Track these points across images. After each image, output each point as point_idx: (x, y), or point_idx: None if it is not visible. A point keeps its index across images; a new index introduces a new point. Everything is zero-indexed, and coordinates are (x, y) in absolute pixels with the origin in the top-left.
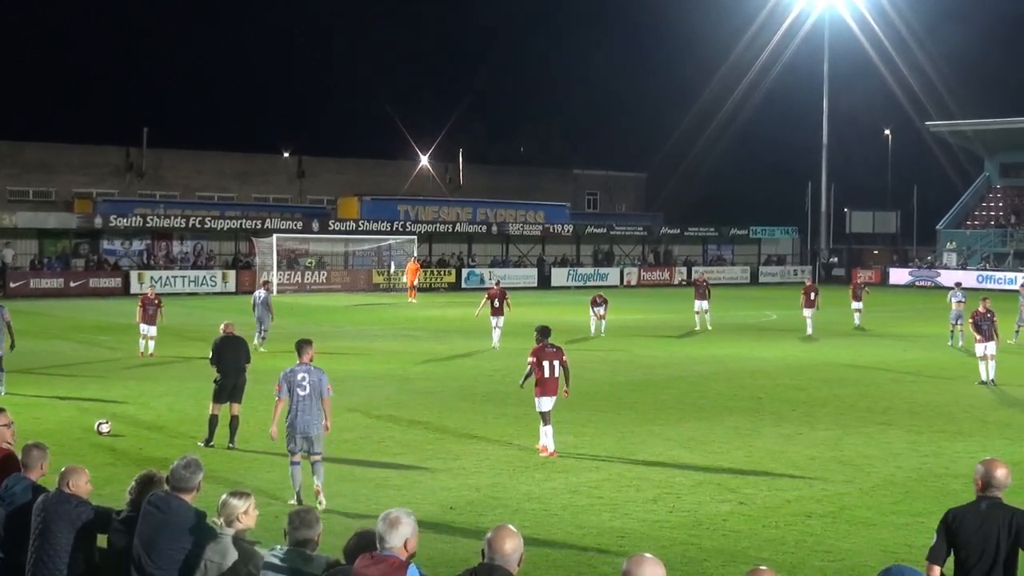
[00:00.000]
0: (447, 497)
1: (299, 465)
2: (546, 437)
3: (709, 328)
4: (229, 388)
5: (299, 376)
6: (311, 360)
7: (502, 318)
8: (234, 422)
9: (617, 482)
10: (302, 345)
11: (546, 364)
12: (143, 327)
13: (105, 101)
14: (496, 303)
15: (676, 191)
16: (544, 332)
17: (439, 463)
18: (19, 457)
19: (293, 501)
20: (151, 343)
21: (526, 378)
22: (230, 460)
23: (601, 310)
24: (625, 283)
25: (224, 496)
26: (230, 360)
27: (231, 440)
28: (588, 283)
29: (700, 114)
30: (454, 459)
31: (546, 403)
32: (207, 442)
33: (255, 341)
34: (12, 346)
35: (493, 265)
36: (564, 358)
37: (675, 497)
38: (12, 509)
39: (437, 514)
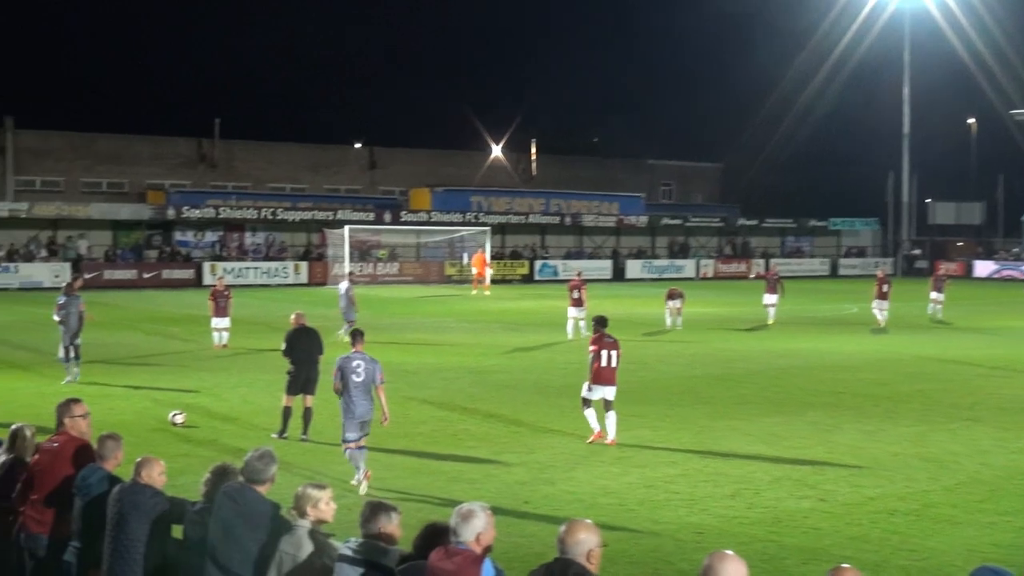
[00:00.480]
0: (522, 491)
1: (363, 451)
2: (609, 424)
3: (770, 323)
4: (302, 380)
5: (354, 363)
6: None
7: (583, 310)
8: (307, 414)
9: (694, 477)
10: (356, 335)
11: (604, 354)
12: (214, 320)
13: (177, 92)
14: (575, 294)
15: (753, 182)
16: (602, 322)
17: (514, 457)
18: (94, 447)
19: (355, 483)
20: (224, 335)
21: (591, 368)
22: (303, 452)
23: (678, 303)
24: (701, 275)
25: (301, 487)
26: (303, 351)
27: (304, 432)
28: (663, 275)
29: (778, 103)
30: (529, 453)
31: (598, 391)
32: (281, 434)
33: (339, 332)
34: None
35: (567, 257)
36: (620, 350)
37: (754, 493)
38: (88, 500)
39: (512, 508)
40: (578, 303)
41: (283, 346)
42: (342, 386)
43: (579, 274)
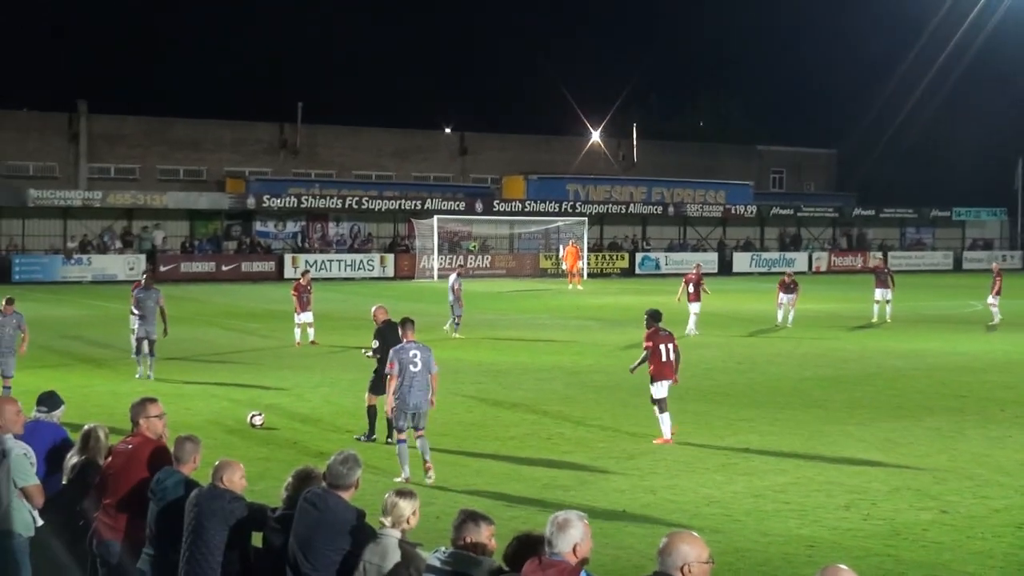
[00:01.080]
0: (620, 499)
1: (406, 443)
2: (664, 424)
3: (888, 320)
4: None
5: (411, 353)
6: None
7: (699, 304)
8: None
9: (805, 486)
10: (407, 323)
11: (662, 348)
12: (298, 316)
13: (258, 75)
14: (692, 288)
15: (871, 169)
16: (656, 316)
17: (612, 463)
18: (171, 450)
19: (400, 479)
20: (310, 330)
21: (640, 363)
22: (390, 455)
23: (792, 297)
24: (814, 269)
25: (389, 495)
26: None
27: (390, 434)
28: (773, 269)
29: (898, 85)
30: (628, 459)
31: (661, 389)
32: (368, 436)
33: (445, 327)
34: (165, 332)
35: (669, 249)
36: (676, 343)
37: (870, 504)
38: (164, 504)
39: (609, 517)
40: (696, 297)
41: (374, 344)
42: (399, 377)
43: (698, 267)
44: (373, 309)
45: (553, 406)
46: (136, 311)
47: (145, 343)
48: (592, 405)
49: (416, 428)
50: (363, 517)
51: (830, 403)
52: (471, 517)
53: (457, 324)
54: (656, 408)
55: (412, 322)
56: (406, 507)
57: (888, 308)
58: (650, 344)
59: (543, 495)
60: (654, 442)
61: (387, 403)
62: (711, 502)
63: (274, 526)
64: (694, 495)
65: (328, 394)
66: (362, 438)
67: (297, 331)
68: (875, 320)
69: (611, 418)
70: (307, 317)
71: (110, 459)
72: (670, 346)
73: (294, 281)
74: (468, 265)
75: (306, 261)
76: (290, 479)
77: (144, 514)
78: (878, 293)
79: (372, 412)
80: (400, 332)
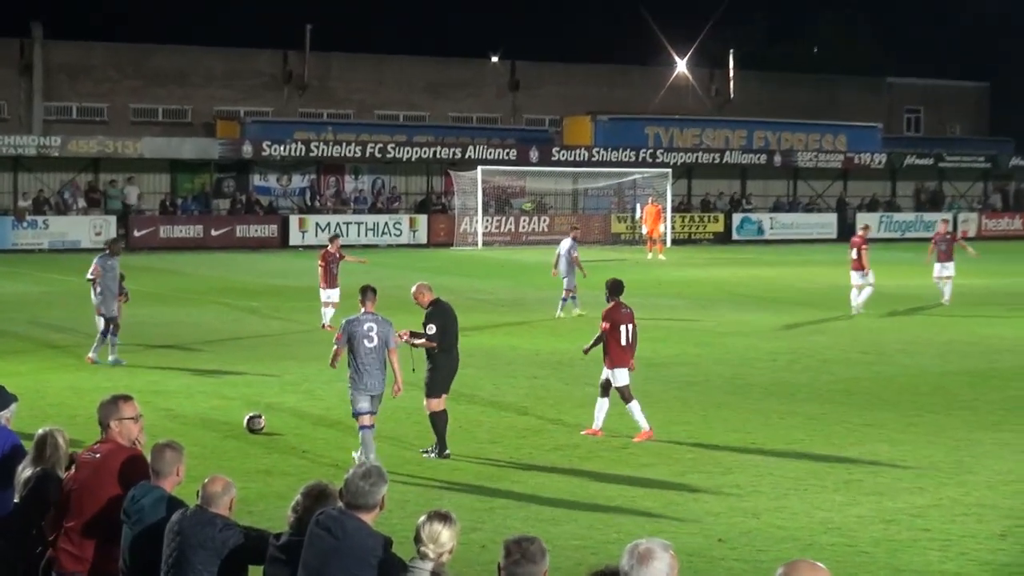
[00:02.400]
0: (714, 525)
1: (372, 430)
2: (636, 415)
3: (945, 303)
4: (454, 371)
5: (365, 326)
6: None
7: (866, 275)
8: (445, 418)
9: (949, 509)
10: (367, 291)
11: (622, 329)
12: (325, 292)
13: None
14: (855, 253)
15: None
16: (617, 288)
17: (703, 478)
18: (148, 460)
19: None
20: (329, 311)
21: (594, 345)
22: (429, 467)
23: (949, 269)
24: (960, 234)
25: (424, 519)
26: (453, 332)
27: (442, 447)
28: (907, 234)
29: None
30: (723, 474)
31: (622, 376)
32: (439, 450)
33: (559, 312)
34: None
35: (776, 209)
36: (635, 323)
37: None
38: (140, 529)
39: (702, 547)
40: (859, 266)
41: (430, 329)
42: (351, 354)
43: (865, 228)
44: (414, 289)
45: None
46: (93, 279)
47: (111, 322)
48: (677, 406)
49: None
50: (390, 546)
51: (980, 404)
52: (526, 547)
53: (573, 298)
54: (615, 396)
55: (374, 291)
56: (445, 534)
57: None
58: (607, 325)
59: (618, 519)
60: (634, 439)
61: (332, 359)
62: (829, 529)
63: (278, 556)
64: (808, 520)
65: (346, 391)
66: (430, 452)
67: (325, 311)
68: None
69: (702, 423)
70: (334, 295)
71: (73, 471)
72: (630, 327)
73: (321, 249)
74: (520, 229)
75: (316, 224)
76: (298, 498)
77: (116, 540)
78: (937, 269)
79: (438, 420)
80: (361, 301)
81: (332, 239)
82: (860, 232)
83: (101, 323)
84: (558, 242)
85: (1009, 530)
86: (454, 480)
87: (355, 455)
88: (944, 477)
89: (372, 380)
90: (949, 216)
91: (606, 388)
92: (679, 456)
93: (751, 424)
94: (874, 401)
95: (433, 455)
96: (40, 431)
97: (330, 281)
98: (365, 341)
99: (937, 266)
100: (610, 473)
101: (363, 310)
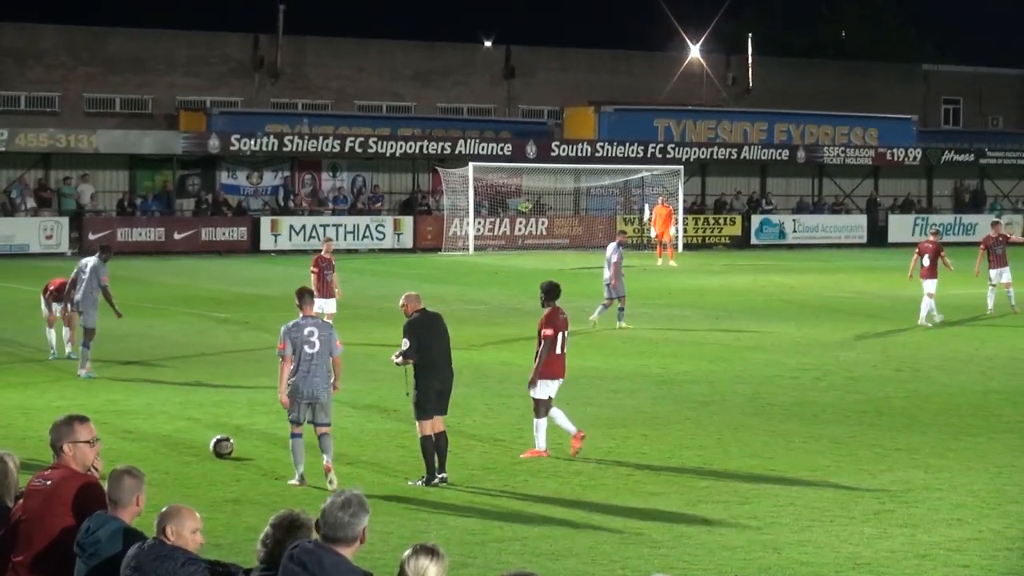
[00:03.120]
0: (730, 560)
1: (302, 438)
2: (539, 432)
3: (1015, 308)
4: (437, 390)
5: (306, 331)
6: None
7: (934, 282)
8: (442, 441)
9: (991, 544)
10: (304, 295)
11: (559, 337)
12: (317, 302)
13: None
14: (927, 260)
15: None
16: (554, 292)
17: (718, 508)
18: (105, 488)
19: (294, 481)
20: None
21: (541, 362)
22: (412, 499)
23: (1004, 273)
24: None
25: (408, 553)
26: (439, 349)
27: (441, 468)
28: (944, 238)
29: None
30: (740, 503)
31: (548, 388)
32: (427, 479)
33: (593, 317)
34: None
35: (799, 210)
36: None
37: None
38: (96, 564)
39: None
40: (931, 273)
41: (404, 344)
42: (294, 359)
43: (936, 233)
44: (402, 299)
45: (636, 429)
46: (77, 292)
47: (88, 332)
48: (690, 428)
49: (316, 423)
50: None
51: None
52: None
53: (608, 306)
54: (534, 413)
55: (311, 293)
56: (433, 570)
57: (1011, 292)
58: (550, 332)
59: (623, 554)
60: (522, 456)
61: (280, 391)
62: (857, 565)
63: None
64: (834, 555)
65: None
66: (418, 483)
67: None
68: None
69: (716, 446)
70: (329, 306)
71: (22, 500)
72: (566, 334)
73: (314, 254)
74: (515, 233)
75: (291, 226)
76: (269, 529)
77: (69, 575)
78: (993, 274)
79: (422, 445)
80: (299, 305)
81: (325, 242)
82: (932, 237)
83: (51, 336)
84: (560, 247)
85: None
86: (443, 510)
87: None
88: (985, 508)
89: (308, 387)
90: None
91: (543, 407)
92: (691, 484)
93: (771, 448)
94: (908, 423)
95: (419, 484)
96: None
97: (324, 290)
98: (306, 347)
99: (993, 272)
100: (615, 503)
101: (302, 315)
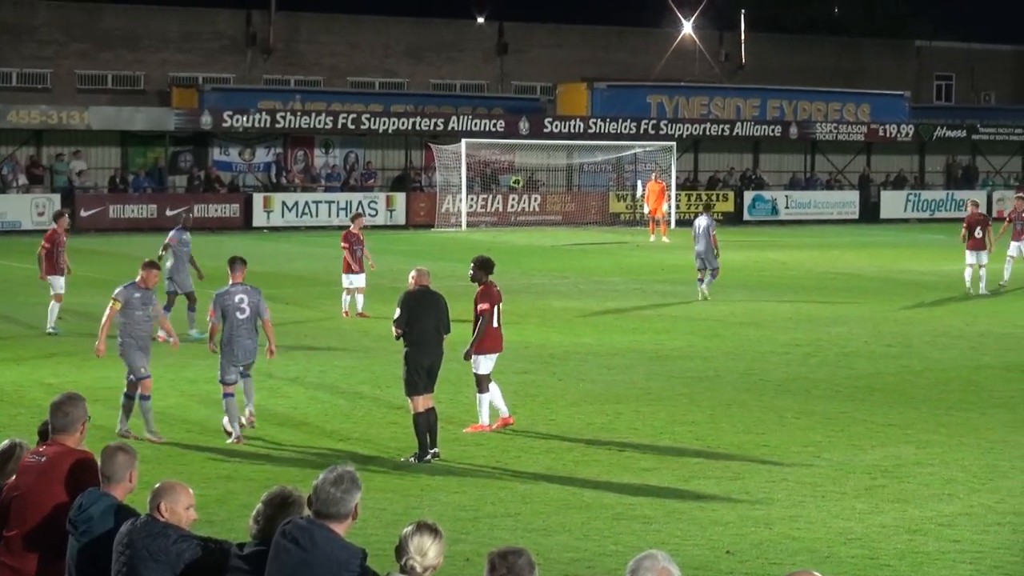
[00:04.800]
0: (723, 535)
1: (234, 398)
2: (483, 407)
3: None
4: (427, 367)
5: (236, 297)
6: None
7: (985, 253)
8: (431, 417)
9: (981, 519)
10: (236, 263)
11: (495, 311)
12: (347, 278)
13: None
14: (979, 232)
15: None
16: (488, 266)
17: (710, 484)
18: (98, 464)
19: (231, 440)
20: (359, 298)
21: (478, 337)
22: (404, 476)
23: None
24: (995, 214)
25: (410, 529)
26: (429, 326)
27: (431, 444)
28: (936, 214)
29: None
30: (733, 479)
31: (487, 363)
32: (420, 455)
33: (704, 287)
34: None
35: (792, 186)
36: None
37: None
38: (88, 540)
39: (707, 560)
40: (979, 244)
41: (396, 312)
42: (222, 326)
43: (975, 204)
44: (411, 272)
45: (629, 405)
46: (168, 259)
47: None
48: (683, 404)
49: (245, 375)
50: (365, 559)
51: (1018, 402)
52: (512, 560)
53: (712, 278)
54: (477, 388)
55: (243, 262)
56: (434, 548)
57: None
58: (487, 306)
59: (615, 529)
60: (465, 431)
61: (210, 343)
62: (849, 539)
63: (241, 567)
64: (825, 530)
65: (315, 387)
66: (411, 459)
67: (345, 298)
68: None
69: (709, 422)
70: (358, 280)
71: (14, 478)
72: (500, 307)
73: (343, 230)
74: (508, 209)
75: (283, 203)
76: (260, 506)
77: (61, 553)
78: (1014, 247)
79: (414, 422)
80: (231, 271)
81: (355, 218)
82: (973, 208)
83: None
84: (553, 224)
85: None
86: (435, 487)
87: (225, 423)
88: (976, 483)
89: (242, 351)
90: (982, 194)
91: (486, 382)
92: (684, 460)
93: (764, 424)
94: (899, 399)
95: (412, 460)
96: (7, 442)
97: (355, 265)
98: (237, 313)
99: (1014, 245)
100: (607, 479)
101: (231, 281)
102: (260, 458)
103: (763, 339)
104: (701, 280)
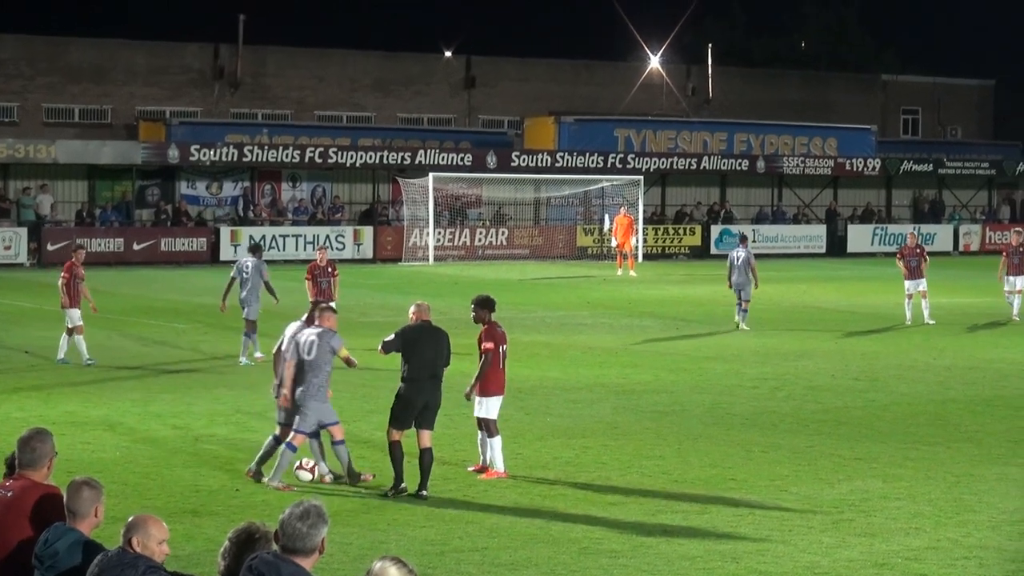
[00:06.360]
0: (690, 570)
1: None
2: (496, 452)
3: (1015, 318)
4: (420, 404)
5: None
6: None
7: (923, 281)
8: (426, 458)
9: (948, 552)
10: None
11: (500, 352)
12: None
13: None
14: (913, 261)
15: None
16: (491, 305)
17: (677, 518)
18: (64, 499)
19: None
20: None
21: (480, 378)
22: (371, 510)
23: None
24: (962, 248)
25: (379, 564)
26: (426, 360)
27: (422, 486)
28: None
29: None
30: (699, 513)
31: (495, 406)
32: (395, 489)
33: (739, 319)
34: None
35: (759, 220)
36: None
37: None
38: (54, 575)
39: None
40: (916, 273)
41: (390, 337)
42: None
43: (912, 236)
44: (411, 307)
45: (595, 439)
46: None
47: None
48: (650, 438)
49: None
50: None
51: (984, 436)
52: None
53: (744, 310)
54: (485, 432)
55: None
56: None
57: (1018, 300)
58: (491, 346)
59: (583, 563)
60: (481, 477)
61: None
62: (816, 574)
63: None
64: (792, 564)
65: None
66: (389, 493)
67: None
68: (1016, 317)
69: (676, 456)
70: None
71: None
72: (505, 348)
73: (310, 262)
74: (476, 243)
75: (251, 237)
76: (227, 543)
77: None
78: (1009, 282)
79: (396, 451)
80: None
81: (320, 251)
82: (911, 239)
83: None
84: (520, 257)
85: (1015, 574)
86: (402, 521)
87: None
88: (943, 517)
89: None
90: (949, 228)
91: (492, 425)
92: (651, 494)
93: (731, 458)
94: (866, 432)
95: (390, 494)
96: None
97: (320, 295)
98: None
99: (1009, 279)
100: (574, 512)
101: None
102: (228, 494)
103: (730, 373)
104: (740, 307)
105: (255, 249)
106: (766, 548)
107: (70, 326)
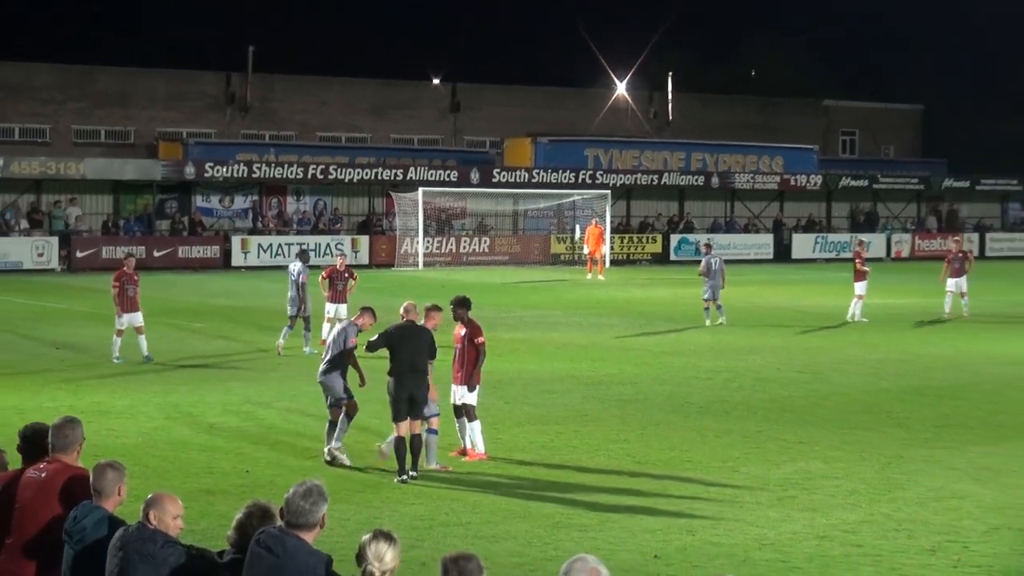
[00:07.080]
0: (650, 542)
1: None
2: (476, 435)
3: (965, 314)
4: (405, 397)
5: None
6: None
7: (865, 284)
8: (415, 443)
9: (881, 525)
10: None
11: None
12: (330, 307)
13: (200, 13)
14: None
15: (966, 129)
16: (467, 303)
17: (640, 497)
18: (91, 480)
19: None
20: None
21: (476, 369)
22: (367, 488)
23: (962, 284)
24: (894, 255)
25: (366, 537)
26: (405, 357)
27: (413, 466)
28: (842, 254)
29: (1000, 25)
30: (659, 491)
31: (475, 394)
32: (400, 474)
33: (716, 316)
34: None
35: (713, 230)
36: None
37: (961, 547)
38: (82, 548)
39: (637, 564)
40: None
41: (374, 337)
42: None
43: (860, 243)
44: (402, 306)
45: (567, 425)
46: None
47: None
48: (615, 424)
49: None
50: (330, 564)
51: (913, 421)
52: (466, 566)
53: (718, 307)
54: (467, 418)
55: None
56: (390, 553)
57: (965, 301)
58: (483, 340)
59: (555, 536)
60: (464, 459)
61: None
62: (764, 544)
63: (221, 573)
64: (743, 536)
65: (287, 410)
66: (396, 480)
67: (325, 326)
68: (947, 314)
69: (639, 440)
70: (341, 310)
71: (19, 490)
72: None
73: (327, 267)
74: (461, 250)
75: (258, 245)
76: (239, 517)
77: (58, 560)
78: (951, 283)
79: (399, 446)
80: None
81: (340, 257)
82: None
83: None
84: (500, 263)
85: (939, 545)
86: (394, 499)
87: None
88: (876, 494)
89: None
90: (882, 237)
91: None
92: (616, 474)
93: (688, 442)
94: (808, 419)
95: (383, 445)
96: None
97: (336, 297)
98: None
99: (950, 281)
100: (548, 492)
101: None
102: (238, 475)
103: (687, 366)
104: (708, 309)
105: (303, 255)
106: (719, 522)
107: (120, 328)
